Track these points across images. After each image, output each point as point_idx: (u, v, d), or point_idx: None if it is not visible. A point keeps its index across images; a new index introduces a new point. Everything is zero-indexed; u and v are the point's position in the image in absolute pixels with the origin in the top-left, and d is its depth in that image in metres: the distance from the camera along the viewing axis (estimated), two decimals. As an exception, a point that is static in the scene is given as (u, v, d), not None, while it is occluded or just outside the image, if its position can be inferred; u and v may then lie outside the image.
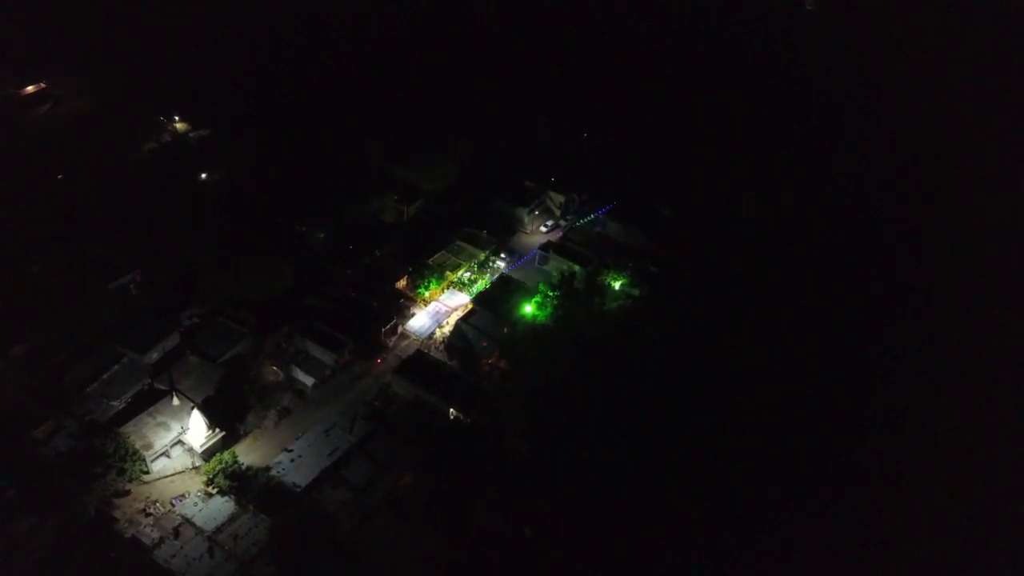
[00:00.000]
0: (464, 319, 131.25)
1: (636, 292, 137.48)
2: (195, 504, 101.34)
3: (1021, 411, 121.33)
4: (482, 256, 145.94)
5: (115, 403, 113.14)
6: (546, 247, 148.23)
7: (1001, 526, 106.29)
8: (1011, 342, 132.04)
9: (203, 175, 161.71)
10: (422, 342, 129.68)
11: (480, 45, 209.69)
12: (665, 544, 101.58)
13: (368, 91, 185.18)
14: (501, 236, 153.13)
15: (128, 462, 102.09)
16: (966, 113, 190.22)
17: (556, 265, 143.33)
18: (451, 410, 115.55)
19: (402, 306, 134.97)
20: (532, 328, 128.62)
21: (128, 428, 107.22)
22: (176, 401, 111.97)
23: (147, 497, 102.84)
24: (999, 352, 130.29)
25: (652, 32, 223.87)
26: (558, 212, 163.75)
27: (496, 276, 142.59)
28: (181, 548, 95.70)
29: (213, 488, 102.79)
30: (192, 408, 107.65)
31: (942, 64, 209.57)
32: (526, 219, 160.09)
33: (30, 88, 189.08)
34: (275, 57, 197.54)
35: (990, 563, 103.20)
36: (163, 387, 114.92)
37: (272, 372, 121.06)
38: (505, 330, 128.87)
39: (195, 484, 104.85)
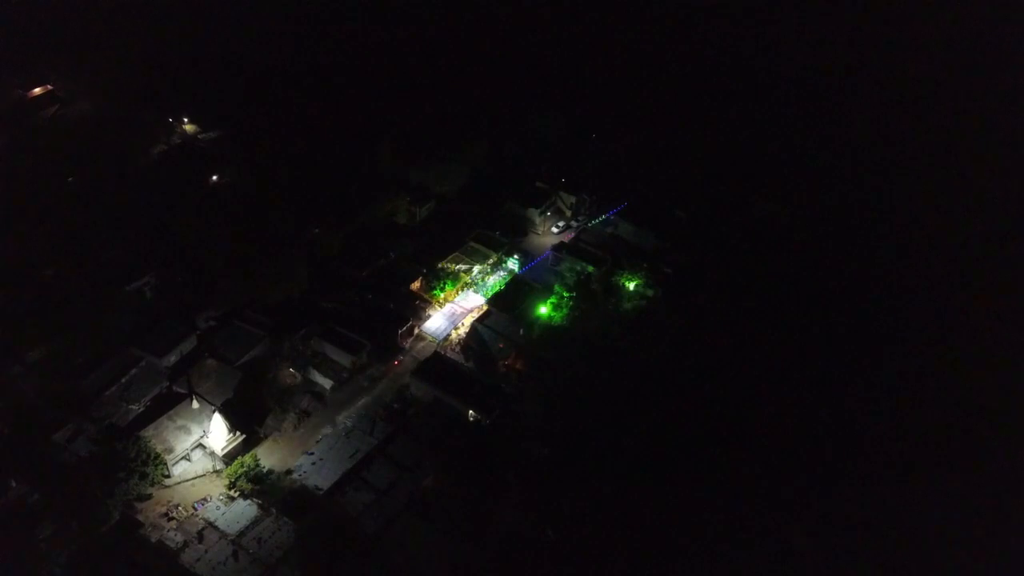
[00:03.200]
0: (480, 321, 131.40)
1: (650, 293, 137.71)
2: (217, 508, 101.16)
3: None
4: (495, 257, 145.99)
5: (134, 407, 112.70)
6: (559, 248, 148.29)
7: (1004, 527, 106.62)
8: (1014, 342, 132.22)
9: (214, 177, 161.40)
10: (438, 344, 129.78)
11: (484, 46, 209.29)
12: (687, 543, 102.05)
13: (378, 92, 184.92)
14: (513, 237, 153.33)
15: (150, 466, 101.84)
16: (967, 111, 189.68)
17: (569, 266, 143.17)
18: (470, 412, 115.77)
19: (417, 308, 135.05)
20: (549, 329, 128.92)
21: (148, 432, 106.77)
22: (196, 404, 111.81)
23: (169, 501, 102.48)
24: (1004, 352, 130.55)
25: (656, 31, 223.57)
26: (569, 213, 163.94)
27: (510, 277, 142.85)
28: (206, 552, 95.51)
29: (235, 492, 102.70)
30: (213, 411, 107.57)
31: (944, 61, 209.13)
32: (537, 220, 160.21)
33: (37, 90, 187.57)
34: (283, 58, 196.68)
35: (992, 564, 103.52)
36: (182, 391, 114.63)
37: (289, 375, 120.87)
38: (521, 331, 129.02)
39: (216, 488, 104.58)
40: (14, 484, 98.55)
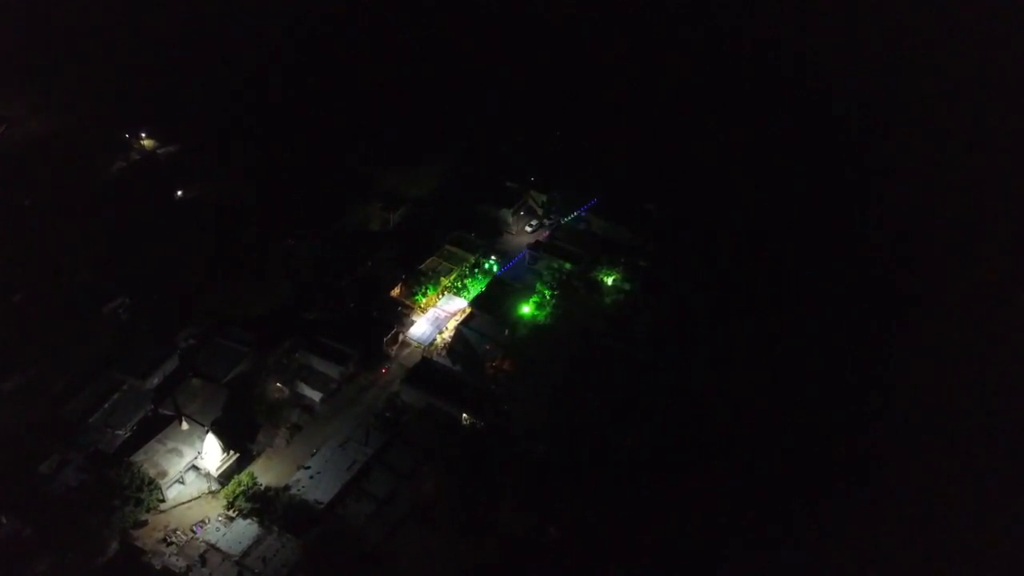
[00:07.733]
0: (464, 324, 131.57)
1: (627, 287, 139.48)
2: (217, 529, 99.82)
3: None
4: (472, 259, 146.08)
5: (120, 432, 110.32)
6: (535, 247, 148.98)
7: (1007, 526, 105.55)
8: (1014, 340, 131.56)
9: (179, 192, 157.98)
10: (424, 349, 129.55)
11: (452, 47, 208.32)
12: (686, 541, 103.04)
13: (345, 98, 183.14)
14: (488, 238, 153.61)
15: (144, 491, 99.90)
16: (969, 109, 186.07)
17: (547, 264, 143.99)
18: (463, 415, 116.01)
19: (400, 314, 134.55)
20: (533, 328, 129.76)
21: (139, 457, 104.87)
22: (185, 426, 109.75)
23: (166, 526, 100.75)
24: (1002, 349, 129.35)
25: (620, 20, 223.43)
26: (541, 211, 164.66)
27: (489, 279, 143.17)
28: (210, 575, 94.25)
29: (234, 511, 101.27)
30: (206, 431, 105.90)
31: (944, 55, 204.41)
32: (510, 220, 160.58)
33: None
34: (240, 69, 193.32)
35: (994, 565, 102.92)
36: (168, 412, 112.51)
37: (277, 389, 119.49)
38: (506, 332, 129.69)
39: (213, 509, 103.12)
40: (4, 520, 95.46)
